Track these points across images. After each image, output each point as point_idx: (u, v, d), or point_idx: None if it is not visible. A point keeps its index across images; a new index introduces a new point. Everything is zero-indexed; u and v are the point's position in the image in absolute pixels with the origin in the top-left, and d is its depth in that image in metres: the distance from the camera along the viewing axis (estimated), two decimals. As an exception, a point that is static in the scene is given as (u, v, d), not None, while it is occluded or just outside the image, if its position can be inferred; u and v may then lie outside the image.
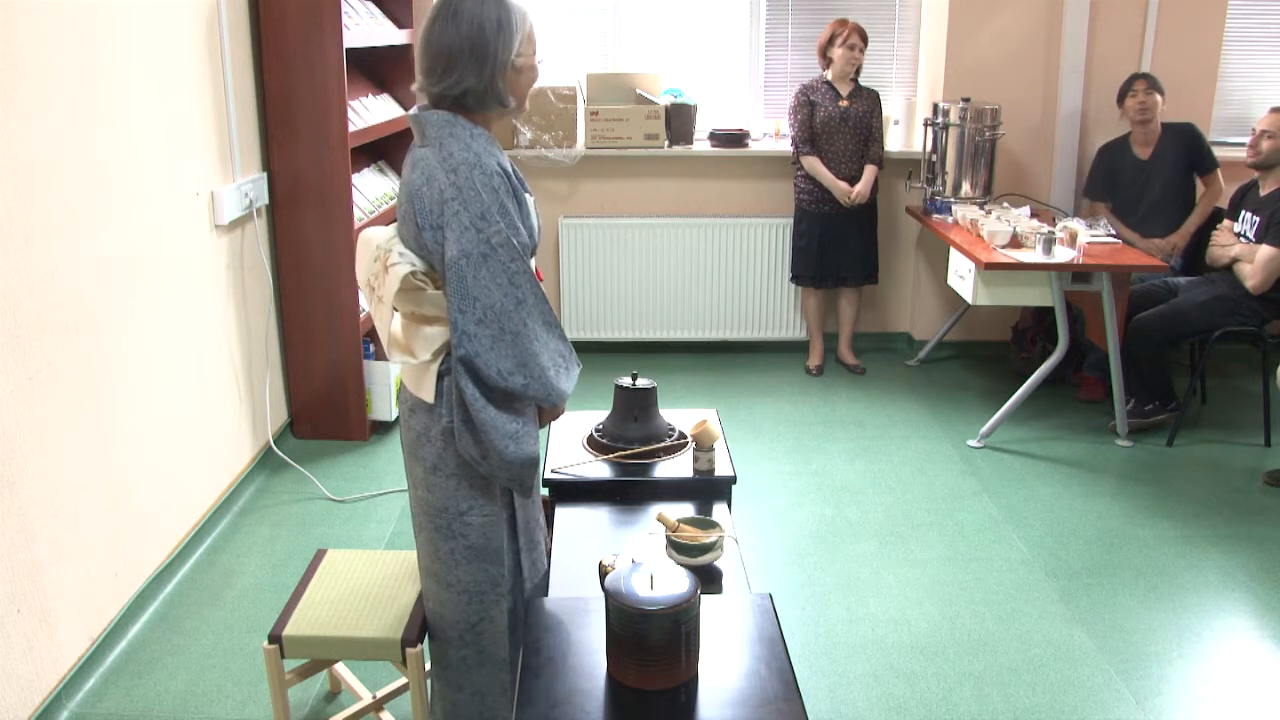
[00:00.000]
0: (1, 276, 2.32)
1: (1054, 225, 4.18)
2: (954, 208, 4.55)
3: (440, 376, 1.93)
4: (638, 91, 4.88)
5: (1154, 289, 4.35)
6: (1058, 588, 3.11)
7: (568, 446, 2.54)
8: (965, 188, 4.70)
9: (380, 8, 4.47)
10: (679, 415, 2.66)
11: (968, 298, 4.13)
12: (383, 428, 4.22)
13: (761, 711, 1.56)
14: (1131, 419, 4.20)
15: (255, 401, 3.79)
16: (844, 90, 4.66)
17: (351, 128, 3.84)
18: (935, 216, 4.67)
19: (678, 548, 2.04)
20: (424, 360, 1.94)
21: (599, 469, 2.42)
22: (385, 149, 4.61)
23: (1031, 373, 4.19)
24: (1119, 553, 3.32)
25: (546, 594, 2.17)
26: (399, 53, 4.54)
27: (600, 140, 4.87)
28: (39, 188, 2.46)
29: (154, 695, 2.62)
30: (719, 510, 2.33)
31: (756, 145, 5.05)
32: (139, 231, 2.94)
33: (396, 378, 4.07)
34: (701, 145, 5.03)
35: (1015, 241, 4.10)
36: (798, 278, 4.93)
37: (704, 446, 2.37)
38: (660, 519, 2.07)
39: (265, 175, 3.80)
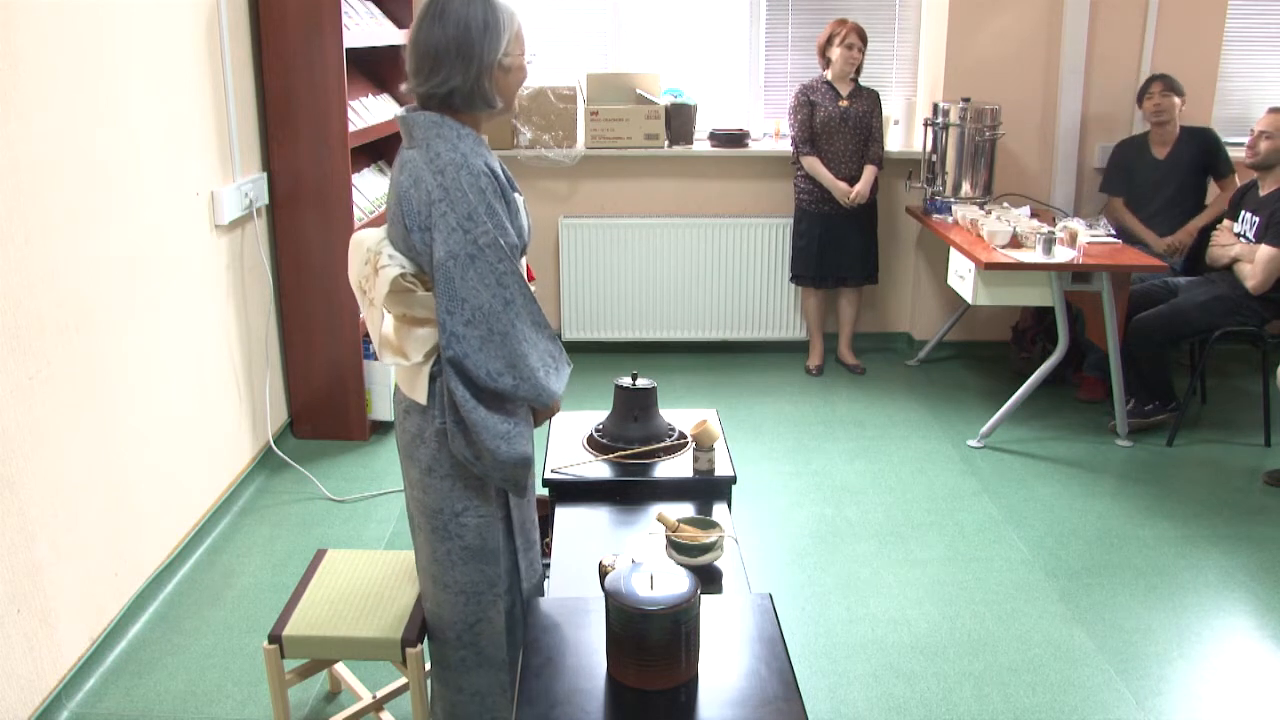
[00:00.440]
0: (1, 276, 2.32)
1: (1054, 225, 4.18)
2: (954, 208, 4.55)
3: (432, 378, 1.93)
4: (638, 91, 4.88)
5: (1154, 289, 4.35)
6: (1058, 588, 3.11)
7: (568, 446, 2.54)
8: (965, 188, 4.70)
9: (380, 8, 4.47)
10: (679, 415, 2.66)
11: (968, 298, 4.13)
12: (383, 428, 4.22)
13: (761, 711, 1.56)
14: (1131, 419, 4.20)
15: (255, 401, 3.79)
16: (844, 90, 4.66)
17: (351, 128, 3.84)
18: (935, 216, 4.67)
19: (678, 548, 2.04)
20: (416, 362, 1.94)
21: (599, 469, 2.42)
22: (385, 149, 4.61)
23: (1031, 373, 4.19)
24: (1119, 553, 3.32)
25: (543, 594, 2.18)
26: (399, 53, 4.52)
27: (600, 140, 4.87)
28: (39, 188, 2.46)
29: (154, 695, 2.62)
30: (719, 510, 2.33)
31: (756, 145, 5.05)
32: (139, 231, 2.94)
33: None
34: (701, 145, 5.03)
35: (1015, 241, 4.10)
36: (798, 278, 4.93)
37: (704, 446, 2.37)
38: (660, 519, 2.07)
39: (265, 175, 3.80)
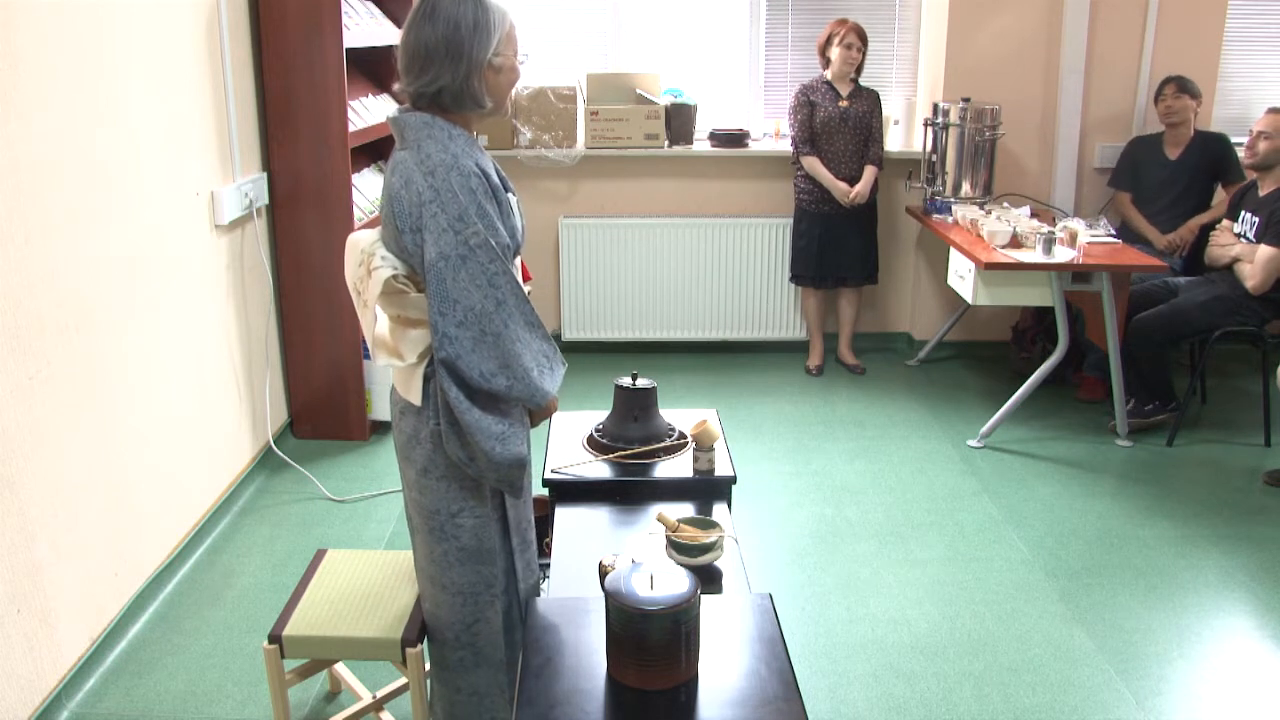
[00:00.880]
0: (1, 276, 2.32)
1: (1054, 225, 4.18)
2: (954, 208, 4.55)
3: (427, 379, 1.93)
4: (638, 91, 4.88)
5: (1154, 289, 4.35)
6: (1058, 588, 3.11)
7: (568, 446, 2.54)
8: (965, 188, 4.70)
9: (380, 8, 4.47)
10: (679, 415, 2.66)
11: (968, 298, 4.13)
12: (383, 428, 4.22)
13: (761, 711, 1.56)
14: (1131, 419, 4.20)
15: (255, 401, 3.79)
16: (844, 90, 4.66)
17: (351, 128, 3.84)
18: (935, 216, 4.67)
19: (678, 548, 2.04)
20: (411, 363, 1.94)
21: (599, 469, 2.42)
22: (385, 149, 4.61)
23: (1031, 373, 4.19)
24: (1119, 553, 3.32)
25: (539, 594, 2.18)
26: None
27: (600, 140, 4.87)
28: (39, 188, 2.46)
29: (154, 695, 2.62)
30: (719, 510, 2.33)
31: (756, 145, 5.05)
32: (139, 231, 2.94)
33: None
34: (701, 145, 5.03)
35: (1015, 241, 4.10)
36: (798, 278, 4.93)
37: (704, 446, 2.37)
38: (660, 519, 2.07)
39: (265, 175, 3.80)
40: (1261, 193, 4.13)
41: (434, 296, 1.81)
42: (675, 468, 2.42)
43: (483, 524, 2.00)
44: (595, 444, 2.51)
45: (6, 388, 2.34)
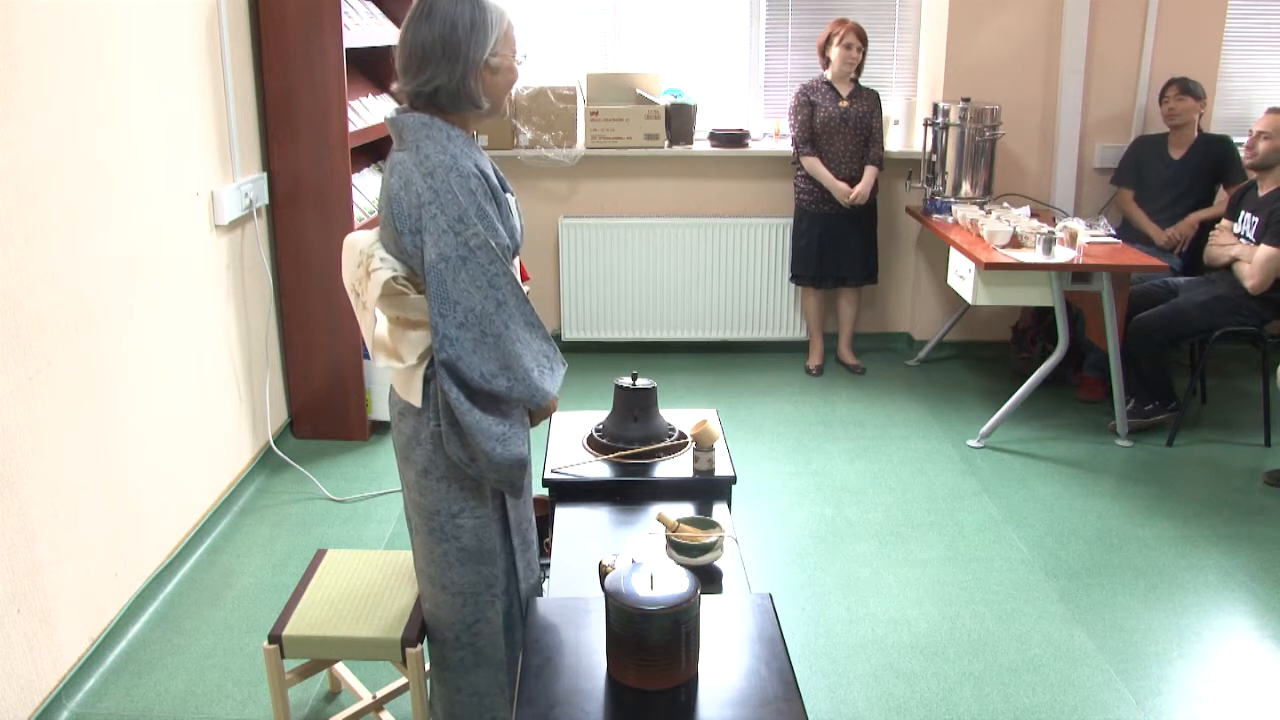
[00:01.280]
0: (1, 276, 2.32)
1: (1054, 225, 4.18)
2: (954, 208, 4.55)
3: (427, 380, 1.93)
4: (638, 91, 4.88)
5: (1154, 289, 4.35)
6: (1058, 588, 3.11)
7: (568, 446, 2.54)
8: (965, 188, 4.70)
9: (380, 8, 4.47)
10: (679, 415, 2.66)
11: (968, 298, 4.13)
12: (383, 428, 4.22)
13: (761, 711, 1.56)
14: (1131, 419, 4.20)
15: (255, 401, 3.79)
16: (844, 90, 4.66)
17: (351, 128, 3.84)
18: (935, 216, 4.67)
19: (678, 548, 2.04)
20: (410, 364, 1.93)
21: (599, 469, 2.42)
22: (385, 149, 4.57)
23: (1031, 373, 4.19)
24: (1119, 553, 3.32)
25: (541, 594, 2.18)
26: (399, 53, 4.54)
27: (600, 140, 4.87)
28: (39, 188, 2.46)
29: (154, 695, 2.62)
30: (719, 510, 2.33)
31: (756, 145, 5.05)
32: (139, 231, 2.94)
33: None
34: (701, 145, 5.03)
35: (1015, 241, 4.10)
36: (798, 278, 4.93)
37: (704, 446, 2.37)
38: (660, 519, 2.07)
39: (265, 175, 3.80)
40: (1261, 193, 4.13)
41: (434, 298, 1.81)
42: (675, 468, 2.42)
43: (483, 524, 2.00)
44: (595, 444, 2.51)
45: (6, 388, 2.34)
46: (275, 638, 2.16)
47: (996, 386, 4.75)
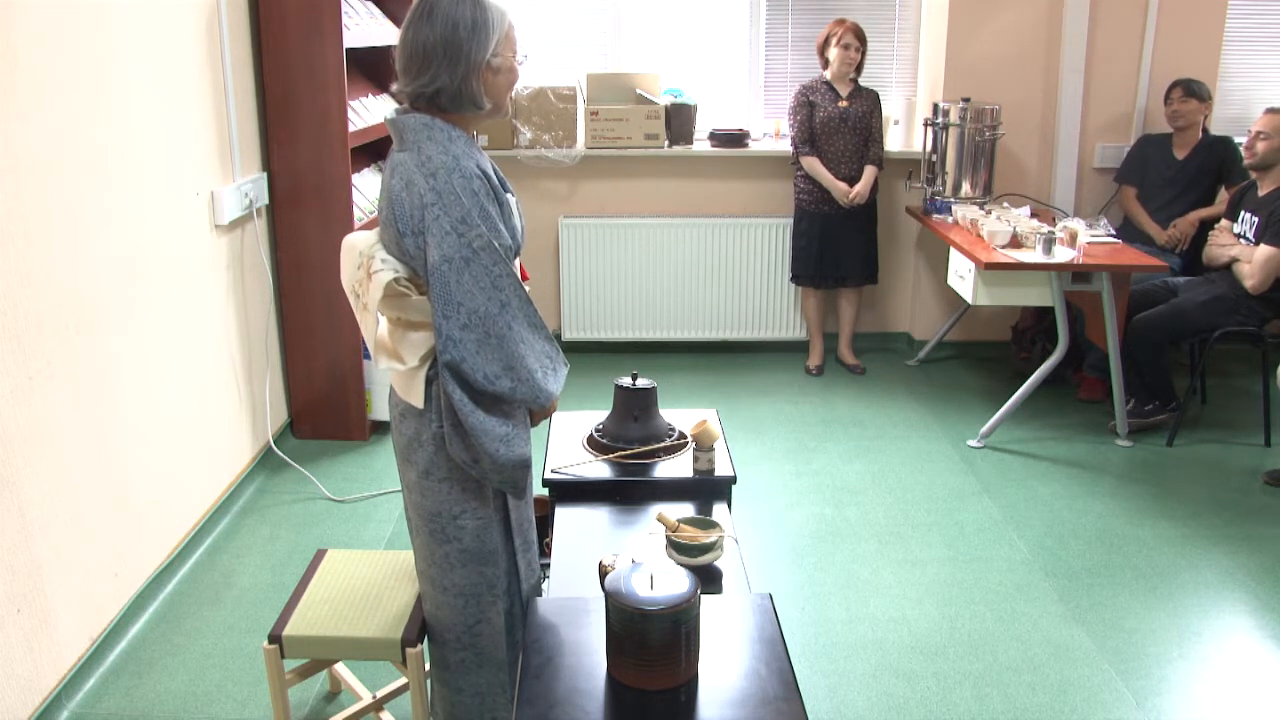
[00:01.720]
0: (1, 276, 2.32)
1: (1054, 225, 4.18)
2: (954, 208, 4.55)
3: (429, 382, 1.93)
4: (638, 91, 4.88)
5: (1154, 289, 4.35)
6: (1057, 588, 3.11)
7: (568, 446, 2.54)
8: (965, 188, 4.70)
9: (380, 8, 4.47)
10: (679, 415, 2.66)
11: (968, 298, 4.13)
12: (383, 428, 4.22)
13: (761, 711, 1.56)
14: (1131, 419, 4.20)
15: (255, 401, 3.79)
16: (843, 90, 4.66)
17: (351, 128, 3.84)
18: (935, 216, 4.67)
19: (678, 548, 2.04)
20: (412, 366, 1.93)
21: (599, 469, 2.42)
22: (385, 149, 4.57)
23: (1031, 373, 4.19)
24: (1119, 553, 3.32)
25: (541, 594, 2.18)
26: (399, 53, 4.54)
27: (600, 140, 4.87)
28: (39, 188, 2.46)
29: (154, 695, 2.62)
30: (719, 510, 2.33)
31: (756, 145, 5.05)
32: (139, 231, 2.94)
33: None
34: (701, 145, 5.03)
35: (1015, 241, 4.10)
36: (798, 278, 4.93)
37: (704, 446, 2.36)
38: (660, 519, 2.07)
39: (265, 175, 3.80)
40: (1261, 193, 4.13)
41: (437, 299, 1.81)
42: (675, 468, 2.42)
43: (484, 526, 2.00)
44: (595, 444, 2.51)
45: (6, 388, 2.34)
46: (275, 638, 2.16)
47: (996, 386, 4.75)
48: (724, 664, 1.67)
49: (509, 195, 1.94)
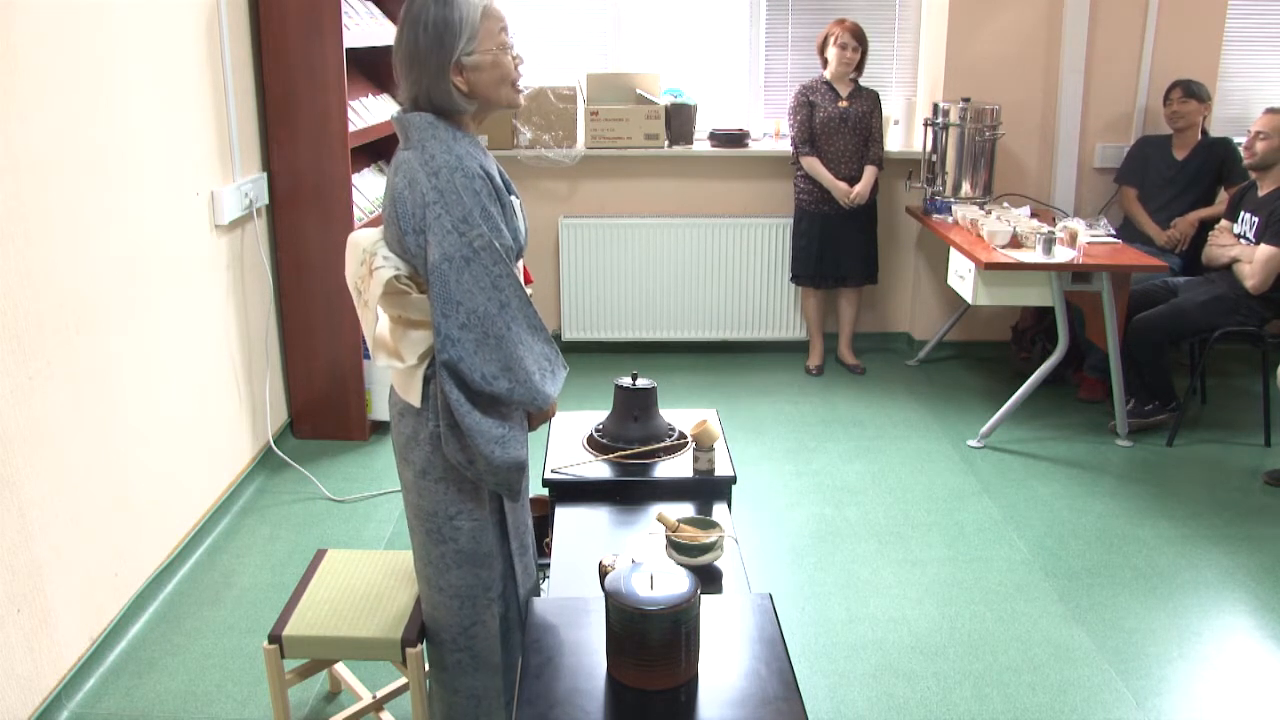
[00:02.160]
0: (1, 276, 2.32)
1: (1054, 225, 4.18)
2: (954, 208, 4.55)
3: (427, 380, 1.92)
4: (638, 91, 4.88)
5: (1154, 289, 4.35)
6: (1057, 588, 3.11)
7: (568, 446, 2.54)
8: (965, 188, 4.70)
9: (380, 8, 4.47)
10: (679, 415, 2.66)
11: (968, 298, 4.13)
12: (383, 428, 4.22)
13: (761, 711, 1.56)
14: (1131, 419, 4.20)
15: (255, 401, 3.79)
16: (843, 91, 4.66)
17: (351, 128, 3.84)
18: (935, 216, 4.67)
19: (678, 548, 2.04)
20: (411, 364, 1.93)
21: (599, 469, 2.42)
22: (385, 149, 4.61)
23: (1031, 373, 4.19)
24: (1119, 553, 3.32)
25: (538, 596, 2.18)
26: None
27: (600, 140, 4.87)
28: (39, 188, 2.46)
29: (154, 695, 2.62)
30: (719, 510, 2.33)
31: (756, 145, 5.04)
32: (139, 231, 2.94)
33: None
34: (701, 145, 5.03)
35: (1015, 241, 4.10)
36: (798, 278, 4.93)
37: (704, 446, 2.37)
38: (660, 519, 2.07)
39: (265, 175, 3.80)
40: (1260, 193, 4.13)
41: (437, 298, 1.81)
42: (675, 468, 2.42)
43: (480, 527, 2.00)
44: (595, 444, 2.51)
45: (6, 388, 2.34)
46: (275, 638, 2.16)
47: (996, 386, 4.75)
48: (724, 664, 1.67)
49: (513, 197, 1.94)
